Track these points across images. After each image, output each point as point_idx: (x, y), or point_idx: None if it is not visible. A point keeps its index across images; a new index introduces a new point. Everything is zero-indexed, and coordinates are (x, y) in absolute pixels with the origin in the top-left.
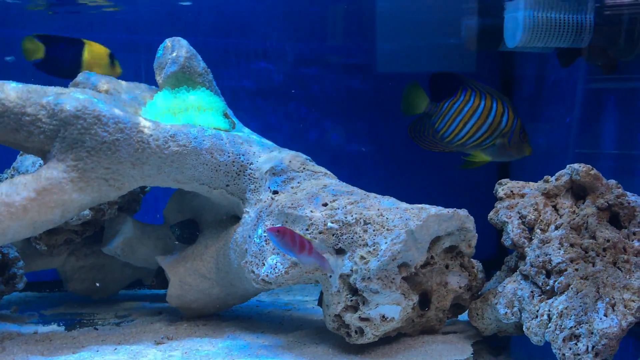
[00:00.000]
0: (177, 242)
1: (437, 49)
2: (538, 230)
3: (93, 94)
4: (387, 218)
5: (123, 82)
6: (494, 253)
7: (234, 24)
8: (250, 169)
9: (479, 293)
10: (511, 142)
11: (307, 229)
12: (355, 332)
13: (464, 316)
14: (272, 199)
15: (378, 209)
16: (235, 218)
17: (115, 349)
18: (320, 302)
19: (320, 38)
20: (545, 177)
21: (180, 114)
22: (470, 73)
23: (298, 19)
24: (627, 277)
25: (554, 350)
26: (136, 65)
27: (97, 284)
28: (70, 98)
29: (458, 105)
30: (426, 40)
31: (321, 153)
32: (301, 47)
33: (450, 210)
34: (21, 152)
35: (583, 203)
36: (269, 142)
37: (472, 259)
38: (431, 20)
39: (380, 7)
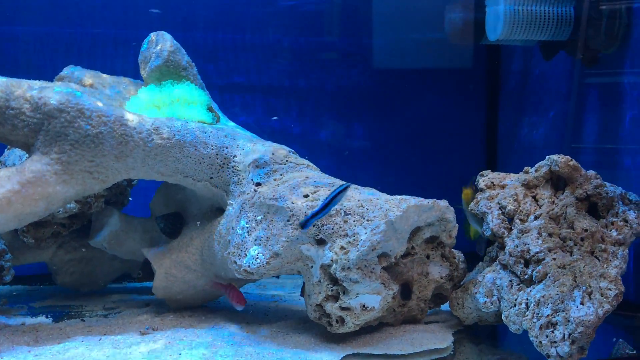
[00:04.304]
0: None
1: (428, 43)
2: (517, 221)
3: (77, 87)
4: (367, 209)
5: (107, 76)
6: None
7: (228, 18)
8: (233, 161)
9: (461, 283)
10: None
11: (288, 220)
12: (337, 321)
13: (446, 306)
14: (255, 190)
15: (358, 200)
16: (220, 210)
17: (100, 339)
18: (303, 293)
19: (315, 33)
20: (525, 168)
21: (164, 107)
22: (458, 67)
23: (292, 13)
24: (604, 266)
25: (531, 338)
26: (124, 59)
27: (85, 272)
28: (53, 92)
29: None
30: (417, 35)
31: (312, 147)
32: (295, 41)
33: (430, 201)
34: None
35: (562, 194)
36: (253, 135)
37: (453, 250)
38: (422, 16)
39: (375, 4)
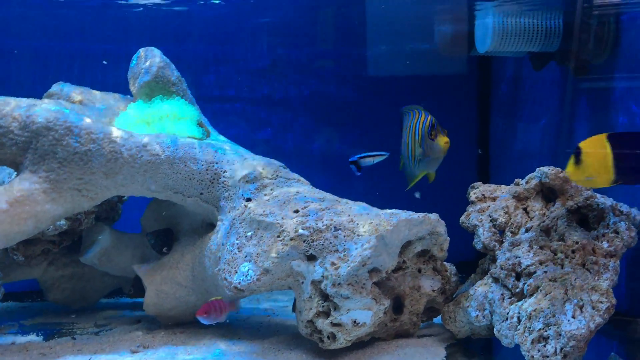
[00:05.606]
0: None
1: (420, 53)
2: (509, 233)
3: (65, 104)
4: (357, 224)
5: (97, 92)
6: (475, 255)
7: (220, 31)
8: (224, 176)
9: (454, 296)
10: (425, 147)
11: (278, 236)
12: (328, 337)
13: (439, 319)
14: (245, 206)
15: (349, 215)
16: (211, 226)
17: (91, 358)
18: (294, 308)
19: (307, 44)
20: (516, 180)
21: (153, 123)
22: (450, 76)
23: (283, 25)
24: (596, 278)
25: (523, 352)
26: (115, 74)
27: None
28: (41, 109)
29: (402, 135)
30: (411, 45)
31: (304, 158)
32: (286, 54)
33: (421, 214)
34: None
35: (553, 205)
36: (244, 150)
37: (445, 263)
38: (416, 27)
39: (369, 16)
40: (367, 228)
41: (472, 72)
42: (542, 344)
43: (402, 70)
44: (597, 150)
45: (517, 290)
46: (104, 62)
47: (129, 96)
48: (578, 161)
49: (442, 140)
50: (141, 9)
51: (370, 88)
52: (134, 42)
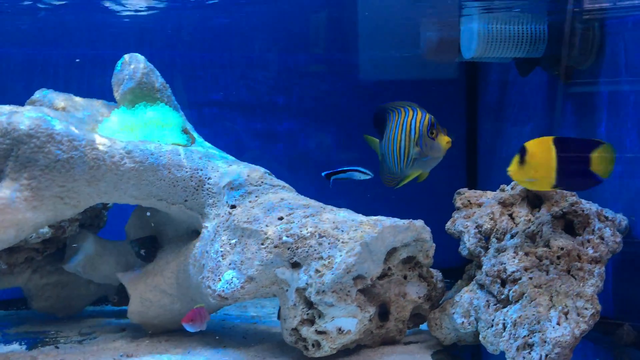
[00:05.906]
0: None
1: (409, 58)
2: (494, 239)
3: (48, 111)
4: (342, 231)
5: (80, 99)
6: (461, 262)
7: (207, 36)
8: (208, 183)
9: (440, 302)
10: (423, 146)
11: (262, 244)
12: (313, 345)
13: (425, 325)
14: (230, 213)
15: (333, 222)
16: (196, 233)
17: None
18: (279, 316)
19: (298, 49)
20: (501, 186)
21: (137, 130)
22: (437, 81)
23: (273, 29)
24: (581, 284)
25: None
26: (102, 80)
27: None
28: (23, 117)
29: (387, 132)
30: (400, 50)
31: (291, 164)
32: (277, 57)
33: (406, 221)
34: None
35: (539, 211)
36: (229, 156)
37: (431, 269)
38: (404, 33)
39: (360, 21)
40: (352, 235)
41: (460, 77)
42: (527, 350)
43: (391, 75)
44: (542, 152)
45: (503, 296)
46: (77, 60)
47: (113, 102)
48: (522, 161)
49: (444, 140)
50: (126, 14)
51: (358, 93)
52: (120, 48)
